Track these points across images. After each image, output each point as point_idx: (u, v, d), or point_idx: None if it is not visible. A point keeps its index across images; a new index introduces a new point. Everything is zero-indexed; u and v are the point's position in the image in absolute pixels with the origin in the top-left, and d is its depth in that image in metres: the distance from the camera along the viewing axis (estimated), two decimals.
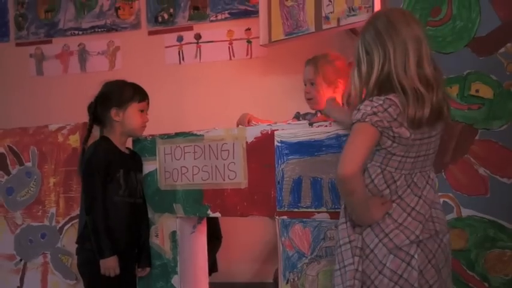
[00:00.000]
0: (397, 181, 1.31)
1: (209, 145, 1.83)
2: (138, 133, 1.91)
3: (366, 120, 1.27)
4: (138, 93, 1.87)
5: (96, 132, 1.89)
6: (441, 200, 1.47)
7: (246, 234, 2.87)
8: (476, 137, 1.62)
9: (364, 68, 1.35)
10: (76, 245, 1.83)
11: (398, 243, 1.29)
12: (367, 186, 1.33)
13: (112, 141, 1.84)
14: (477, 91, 1.61)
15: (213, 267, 2.48)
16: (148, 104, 1.90)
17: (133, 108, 1.85)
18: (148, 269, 1.90)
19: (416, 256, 1.28)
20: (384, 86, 1.32)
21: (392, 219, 1.31)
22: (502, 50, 1.60)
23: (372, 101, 1.30)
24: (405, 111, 1.27)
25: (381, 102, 1.28)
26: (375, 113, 1.27)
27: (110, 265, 1.70)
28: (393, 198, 1.32)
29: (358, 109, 1.31)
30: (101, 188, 1.74)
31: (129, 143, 1.97)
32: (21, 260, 2.16)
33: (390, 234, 1.30)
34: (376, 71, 1.32)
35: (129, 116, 1.85)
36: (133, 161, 1.90)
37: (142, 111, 1.88)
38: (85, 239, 1.76)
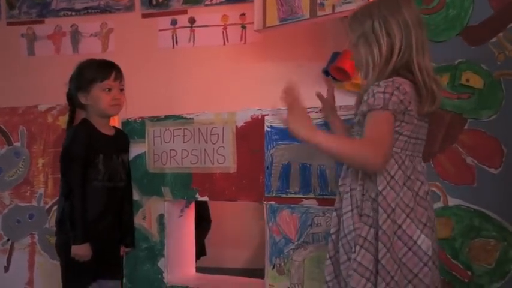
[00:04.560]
0: (404, 161, 1.26)
1: (199, 129, 1.82)
2: (109, 112, 1.82)
3: (389, 108, 1.21)
4: (99, 73, 1.77)
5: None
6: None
7: (237, 220, 2.88)
8: (465, 127, 1.62)
9: (384, 49, 1.25)
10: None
11: (410, 234, 1.22)
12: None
13: (92, 123, 1.80)
14: (467, 80, 1.60)
15: (201, 251, 2.49)
16: (116, 79, 1.78)
17: (96, 90, 1.77)
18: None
19: (429, 253, 1.22)
20: (399, 74, 1.25)
21: (405, 204, 1.23)
22: (494, 39, 1.59)
23: (386, 82, 1.23)
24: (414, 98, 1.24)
25: (397, 85, 1.22)
26: (395, 99, 1.21)
27: (79, 253, 1.70)
28: (404, 180, 1.25)
29: (373, 94, 1.22)
30: (80, 174, 1.71)
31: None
32: (8, 240, 2.15)
33: (403, 225, 1.23)
34: (395, 57, 1.24)
35: (94, 98, 1.77)
36: (116, 142, 1.85)
37: (109, 89, 1.78)
38: (64, 222, 1.75)
